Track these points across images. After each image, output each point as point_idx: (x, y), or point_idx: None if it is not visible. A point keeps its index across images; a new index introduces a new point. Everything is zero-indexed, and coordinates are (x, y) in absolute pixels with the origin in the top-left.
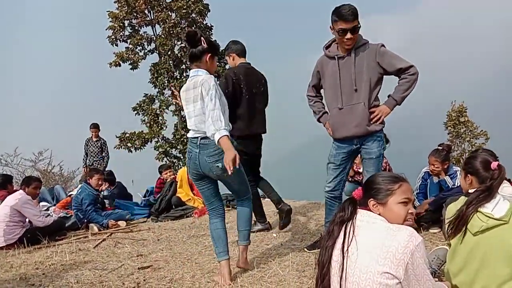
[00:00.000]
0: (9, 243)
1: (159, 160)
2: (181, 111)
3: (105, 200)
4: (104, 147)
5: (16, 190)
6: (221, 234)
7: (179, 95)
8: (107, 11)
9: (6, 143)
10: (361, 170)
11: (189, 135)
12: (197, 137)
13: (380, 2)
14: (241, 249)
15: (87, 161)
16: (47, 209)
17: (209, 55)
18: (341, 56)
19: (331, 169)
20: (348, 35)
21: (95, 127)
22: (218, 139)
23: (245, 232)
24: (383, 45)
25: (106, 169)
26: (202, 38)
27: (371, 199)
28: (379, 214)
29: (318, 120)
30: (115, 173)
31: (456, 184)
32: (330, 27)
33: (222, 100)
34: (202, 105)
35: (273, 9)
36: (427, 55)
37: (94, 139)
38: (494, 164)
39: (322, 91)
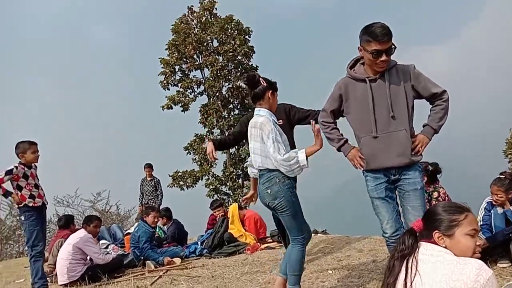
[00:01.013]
0: (72, 280)
1: (209, 197)
2: (230, 149)
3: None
4: (158, 186)
5: (78, 229)
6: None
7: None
8: (159, 58)
9: (66, 185)
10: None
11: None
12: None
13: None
14: None
15: (143, 200)
16: (107, 247)
17: (270, 92)
18: (372, 79)
19: (380, 206)
20: (383, 57)
21: (149, 166)
22: (303, 155)
23: (292, 276)
24: (415, 67)
25: (162, 206)
26: (260, 78)
27: (436, 231)
28: (445, 247)
29: (339, 149)
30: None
31: None
32: (359, 47)
33: (283, 138)
34: (262, 146)
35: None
36: (484, 83)
37: (148, 179)
38: None
39: (343, 117)
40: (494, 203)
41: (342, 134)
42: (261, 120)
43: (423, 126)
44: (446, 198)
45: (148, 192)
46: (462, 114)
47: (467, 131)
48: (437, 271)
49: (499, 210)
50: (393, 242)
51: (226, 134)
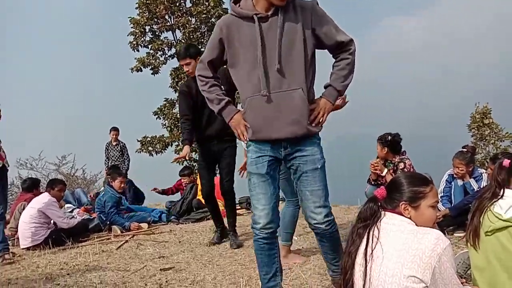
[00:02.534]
0: (35, 244)
1: (179, 164)
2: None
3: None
4: (124, 150)
5: (41, 193)
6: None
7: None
8: (129, 17)
9: (30, 146)
10: (383, 174)
11: None
12: None
13: (394, 3)
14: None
15: (109, 164)
16: (72, 211)
17: None
18: (263, 17)
19: (257, 186)
20: None
21: (115, 130)
22: None
23: (285, 233)
24: (318, 3)
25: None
26: None
27: (403, 202)
28: (410, 218)
29: (219, 113)
30: (137, 176)
31: (481, 186)
32: None
33: None
34: None
35: None
36: (449, 57)
37: (114, 143)
38: (506, 162)
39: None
40: (455, 175)
41: (224, 94)
42: None
43: (325, 87)
44: (411, 169)
45: (114, 157)
46: (437, 85)
47: (440, 101)
48: (397, 240)
49: (459, 182)
50: (264, 238)
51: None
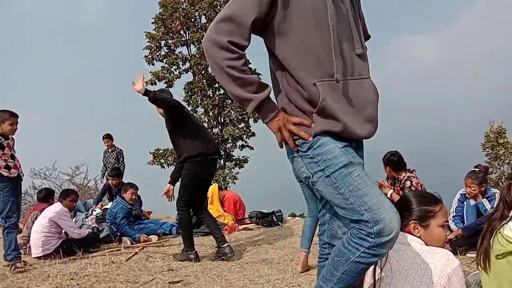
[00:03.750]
0: (46, 253)
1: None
2: (213, 128)
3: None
4: (119, 156)
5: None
6: (305, 230)
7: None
8: (145, 32)
9: (44, 156)
10: (388, 195)
11: None
12: None
13: (412, 23)
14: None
15: (106, 172)
16: (86, 217)
17: None
18: None
19: (366, 177)
20: None
21: (108, 137)
22: None
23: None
24: None
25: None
26: None
27: (413, 221)
28: (419, 237)
29: (259, 106)
30: (148, 187)
31: (494, 206)
32: None
33: None
34: None
35: None
36: (464, 76)
37: (110, 150)
38: None
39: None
40: (467, 195)
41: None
42: None
43: None
44: (420, 188)
45: (110, 164)
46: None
47: (453, 122)
48: (406, 259)
49: (472, 202)
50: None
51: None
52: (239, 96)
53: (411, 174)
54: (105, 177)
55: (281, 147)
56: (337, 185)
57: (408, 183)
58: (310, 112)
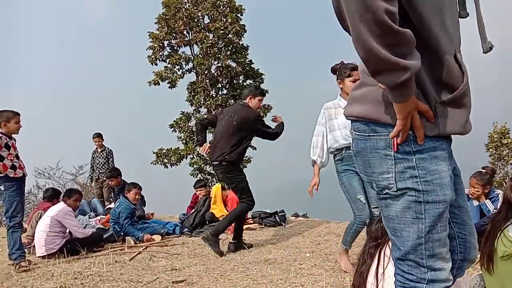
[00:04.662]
0: (50, 253)
1: (193, 176)
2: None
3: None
4: (109, 157)
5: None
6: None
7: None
8: (148, 32)
9: (48, 156)
10: None
11: None
12: None
13: None
14: None
15: (93, 174)
16: (90, 217)
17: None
18: None
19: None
20: None
21: (98, 136)
22: None
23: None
24: None
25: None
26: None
27: None
28: None
29: (405, 80)
30: (151, 187)
31: (497, 208)
32: None
33: None
34: None
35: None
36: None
37: (99, 150)
38: None
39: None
40: (470, 195)
41: None
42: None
43: None
44: None
45: (100, 164)
46: None
47: None
48: None
49: (475, 203)
50: None
51: (205, 118)
52: (388, 61)
53: None
54: (93, 179)
55: (396, 136)
56: (422, 217)
57: None
58: (436, 101)
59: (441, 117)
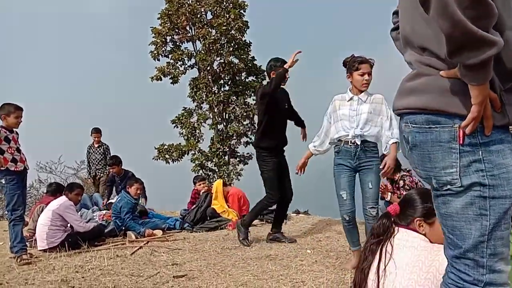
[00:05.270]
0: (52, 246)
1: (195, 172)
2: (218, 125)
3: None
4: (107, 153)
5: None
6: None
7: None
8: (151, 27)
9: (50, 150)
10: (388, 199)
11: None
12: None
13: None
14: None
15: (90, 170)
16: (93, 212)
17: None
18: None
19: None
20: None
21: (97, 131)
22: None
23: None
24: None
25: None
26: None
27: (418, 218)
28: (424, 234)
29: (486, 62)
30: (152, 182)
31: None
32: None
33: None
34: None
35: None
36: None
37: (96, 145)
38: None
39: None
40: None
41: None
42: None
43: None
44: (414, 186)
45: (96, 161)
46: None
47: None
48: (411, 257)
49: None
50: None
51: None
52: (475, 34)
53: (405, 173)
54: (91, 175)
55: (476, 121)
56: (486, 214)
57: (401, 183)
58: (500, 88)
59: (508, 105)
